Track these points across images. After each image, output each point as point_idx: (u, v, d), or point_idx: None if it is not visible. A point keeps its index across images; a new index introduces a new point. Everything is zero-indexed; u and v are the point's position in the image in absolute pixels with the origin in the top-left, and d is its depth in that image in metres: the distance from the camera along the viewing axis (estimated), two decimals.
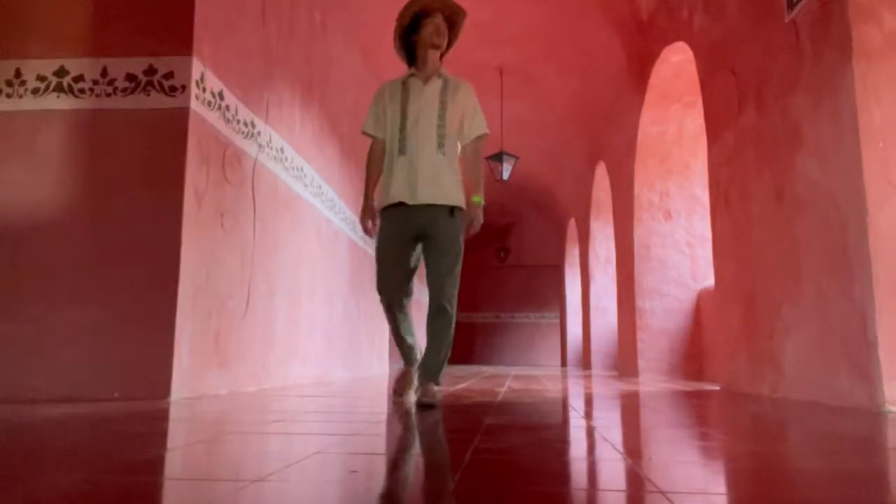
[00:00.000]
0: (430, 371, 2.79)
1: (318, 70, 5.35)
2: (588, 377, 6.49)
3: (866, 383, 2.69)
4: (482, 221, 2.87)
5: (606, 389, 4.11)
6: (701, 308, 6.21)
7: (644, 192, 6.54)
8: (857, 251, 2.77)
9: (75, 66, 3.11)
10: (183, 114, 3.06)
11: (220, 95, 3.41)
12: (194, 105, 3.11)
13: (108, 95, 3.09)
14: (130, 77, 3.09)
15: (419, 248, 2.91)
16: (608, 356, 9.63)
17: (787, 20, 3.39)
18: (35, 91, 3.10)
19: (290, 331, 4.53)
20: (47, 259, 2.98)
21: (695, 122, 6.28)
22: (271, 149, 4.18)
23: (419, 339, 3.07)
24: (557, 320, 15.54)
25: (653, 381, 5.37)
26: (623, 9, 6.29)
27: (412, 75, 2.93)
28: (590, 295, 9.95)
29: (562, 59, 7.77)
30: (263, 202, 4.04)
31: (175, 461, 1.27)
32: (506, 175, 8.75)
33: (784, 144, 3.45)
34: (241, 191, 3.70)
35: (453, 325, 2.85)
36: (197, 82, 3.14)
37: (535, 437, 1.67)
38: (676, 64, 5.78)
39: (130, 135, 3.05)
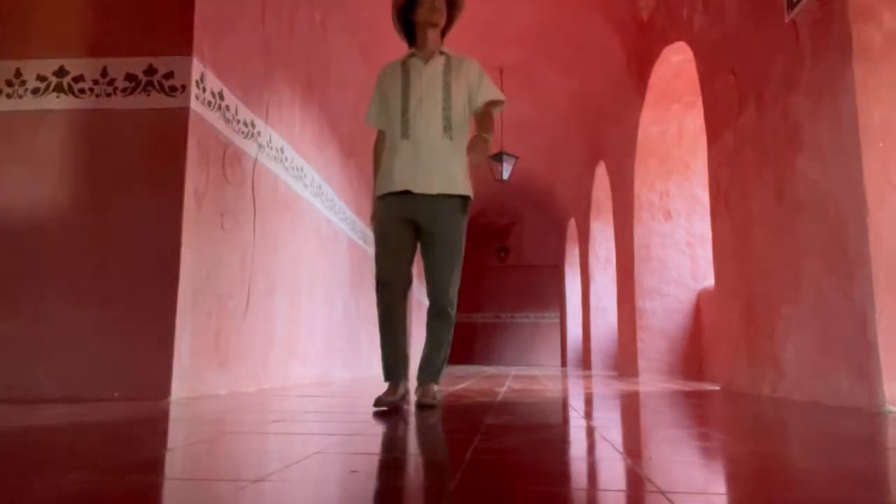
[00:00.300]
0: (430, 371, 2.68)
1: (318, 70, 5.35)
2: (588, 377, 6.49)
3: (866, 383, 2.69)
4: (481, 161, 2.55)
5: (606, 389, 4.11)
6: (701, 308, 6.21)
7: (644, 192, 6.54)
8: (857, 251, 2.77)
9: (75, 66, 3.11)
10: (183, 114, 3.06)
11: (220, 95, 3.41)
12: (194, 105, 3.11)
13: (108, 95, 3.09)
14: (130, 77, 3.09)
15: (415, 239, 2.73)
16: (608, 356, 9.63)
17: (787, 20, 3.38)
18: (35, 91, 3.10)
19: (289, 331, 4.53)
20: (47, 259, 2.97)
21: (695, 122, 6.28)
22: (271, 149, 4.18)
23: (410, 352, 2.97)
24: (557, 320, 15.54)
25: (653, 381, 5.37)
26: (623, 9, 6.29)
27: (412, 55, 2.75)
28: (590, 295, 9.95)
29: (562, 59, 7.77)
30: (263, 202, 4.04)
31: (175, 461, 1.27)
32: (506, 175, 8.75)
33: (784, 144, 3.45)
34: (241, 191, 3.70)
35: (453, 324, 2.75)
36: (197, 82, 3.14)
37: (535, 437, 1.67)
38: (676, 64, 5.78)
39: (130, 135, 3.05)
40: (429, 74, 2.69)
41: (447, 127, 2.65)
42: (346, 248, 6.32)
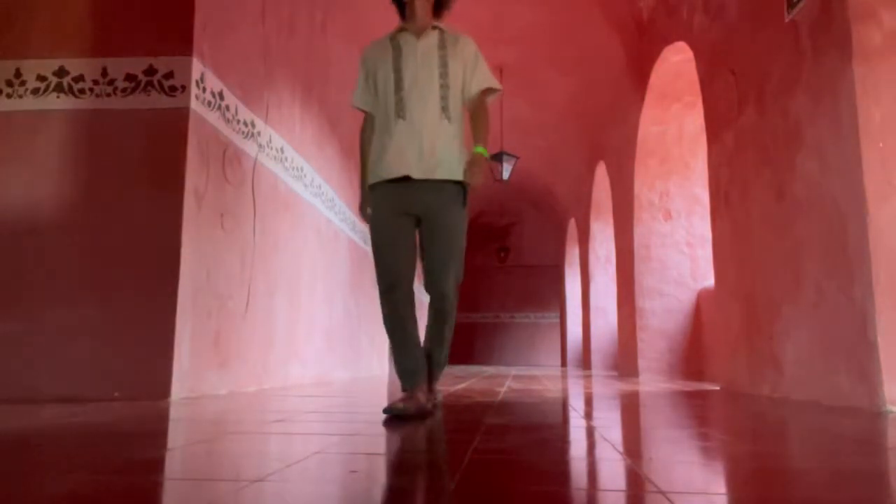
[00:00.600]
0: (432, 368, 2.49)
1: (318, 70, 5.35)
2: (588, 377, 6.49)
3: (866, 383, 2.69)
4: (483, 181, 2.42)
5: (606, 389, 4.11)
6: (701, 308, 6.21)
7: (644, 192, 6.54)
8: (857, 251, 2.77)
9: (75, 66, 3.11)
10: (183, 114, 3.06)
11: (220, 95, 3.41)
12: (194, 105, 3.11)
13: (108, 95, 3.09)
14: (130, 77, 3.09)
15: (415, 231, 2.50)
16: (608, 356, 9.63)
17: (787, 20, 3.38)
18: (35, 91, 3.10)
19: (289, 331, 4.53)
20: (47, 259, 2.97)
21: (695, 122, 6.28)
22: (271, 149, 4.18)
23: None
24: (557, 320, 15.54)
25: (653, 381, 5.37)
26: (623, 9, 6.29)
27: (402, 29, 2.49)
28: (590, 295, 9.95)
29: (562, 59, 7.77)
30: (263, 202, 4.04)
31: (175, 461, 1.27)
32: (506, 175, 8.75)
33: (784, 144, 3.45)
34: (241, 191, 3.70)
35: (454, 320, 2.52)
36: (197, 82, 3.14)
37: (536, 437, 1.67)
38: (676, 64, 5.78)
39: (130, 135, 3.05)
40: (423, 49, 2.44)
41: (445, 107, 2.42)
42: (346, 248, 6.32)
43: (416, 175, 2.36)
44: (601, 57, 7.26)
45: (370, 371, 7.28)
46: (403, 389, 2.37)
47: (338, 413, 2.36)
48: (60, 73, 3.11)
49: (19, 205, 3.03)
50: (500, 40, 7.46)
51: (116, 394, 2.85)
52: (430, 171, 2.36)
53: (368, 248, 7.09)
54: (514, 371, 8.66)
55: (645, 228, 6.52)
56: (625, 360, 7.02)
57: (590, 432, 1.80)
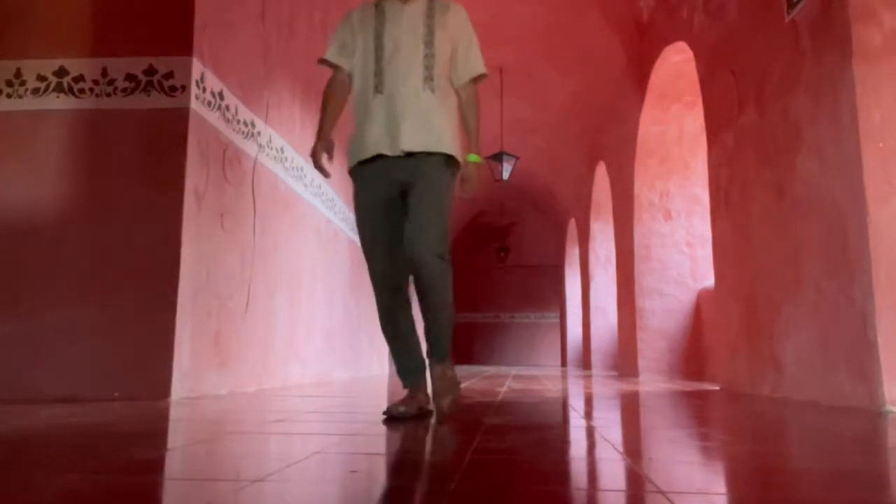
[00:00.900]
0: (437, 349, 2.23)
1: (318, 70, 5.34)
2: (588, 377, 6.49)
3: (866, 383, 2.69)
4: (478, 187, 2.31)
5: (606, 389, 4.11)
6: (701, 308, 6.21)
7: (644, 192, 6.54)
8: (857, 251, 2.77)
9: (75, 66, 3.11)
10: (183, 114, 3.06)
11: (220, 95, 3.41)
12: (194, 105, 3.11)
13: (108, 95, 3.09)
14: (130, 77, 3.09)
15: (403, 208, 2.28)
16: (608, 356, 9.63)
17: (787, 20, 3.38)
18: (35, 91, 3.10)
19: (289, 331, 4.53)
20: (47, 259, 2.97)
21: (695, 122, 6.28)
22: (271, 149, 4.19)
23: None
24: (557, 320, 15.54)
25: (653, 381, 5.37)
26: (623, 9, 6.29)
27: None
28: (590, 295, 9.95)
29: (562, 59, 7.77)
30: (263, 202, 4.04)
31: (175, 461, 1.27)
32: (506, 175, 8.75)
33: (784, 144, 3.45)
34: (241, 191, 3.70)
35: (449, 279, 2.20)
36: (197, 82, 3.14)
37: (536, 437, 1.67)
38: (676, 64, 5.78)
39: (130, 135, 3.05)
40: (409, 16, 2.26)
41: (428, 77, 2.22)
42: (346, 248, 6.32)
43: (392, 151, 2.19)
44: (601, 57, 7.26)
45: (370, 371, 7.28)
46: (405, 388, 2.32)
47: (338, 413, 2.36)
48: (60, 73, 3.11)
49: (19, 205, 3.03)
50: (499, 40, 7.46)
51: (116, 394, 2.85)
52: (410, 145, 2.18)
53: None
54: (514, 371, 8.66)
55: (645, 228, 6.52)
56: (625, 360, 7.02)
57: (590, 432, 1.80)
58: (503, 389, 3.93)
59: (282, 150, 4.39)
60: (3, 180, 3.05)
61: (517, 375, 6.73)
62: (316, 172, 5.23)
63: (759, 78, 3.75)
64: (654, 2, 5.77)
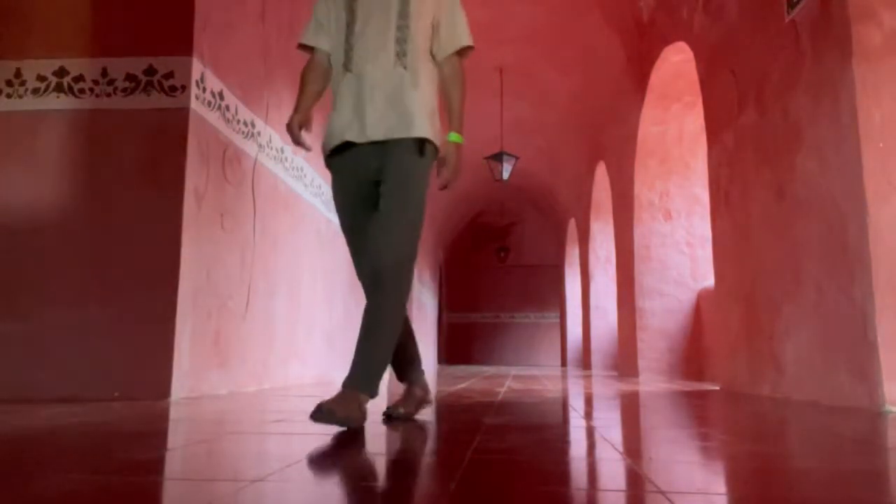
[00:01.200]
0: (354, 374, 1.86)
1: None
2: (588, 377, 6.49)
3: (866, 383, 2.69)
4: (459, 172, 2.09)
5: (606, 389, 4.11)
6: (701, 308, 6.21)
7: (644, 192, 6.54)
8: (857, 251, 2.77)
9: (75, 66, 3.11)
10: (183, 114, 3.06)
11: (220, 95, 3.41)
12: (194, 105, 3.11)
13: (108, 95, 3.09)
14: (130, 77, 3.09)
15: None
16: (608, 356, 9.63)
17: (787, 20, 3.38)
18: (35, 91, 3.10)
19: (289, 331, 4.53)
20: (47, 259, 2.97)
21: (695, 122, 6.28)
22: (271, 149, 4.19)
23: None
24: (557, 320, 15.55)
25: (653, 381, 5.37)
26: (623, 9, 6.29)
27: None
28: (590, 295, 9.95)
29: (562, 59, 7.78)
30: (263, 202, 4.04)
31: (175, 461, 1.27)
32: (506, 175, 8.75)
33: (784, 144, 3.45)
34: (241, 191, 3.70)
35: (398, 308, 1.92)
36: (197, 82, 3.14)
37: (536, 437, 1.67)
38: (676, 64, 5.78)
39: (131, 135, 3.05)
40: None
41: (401, 53, 2.01)
42: (347, 248, 6.32)
43: (359, 138, 2.01)
44: (601, 57, 7.26)
45: None
46: (401, 382, 2.25)
47: None
48: (60, 73, 3.11)
49: (19, 205, 3.03)
50: (500, 40, 7.47)
51: (116, 394, 2.85)
52: (376, 130, 1.99)
53: None
54: (514, 371, 8.66)
55: (645, 228, 6.52)
56: (625, 360, 7.02)
57: (590, 432, 1.80)
58: (503, 389, 3.93)
59: (282, 150, 4.39)
60: (3, 180, 3.05)
61: (517, 375, 6.73)
62: (315, 172, 5.23)
63: (759, 78, 3.75)
64: (654, 2, 5.77)
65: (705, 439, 1.69)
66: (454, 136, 2.10)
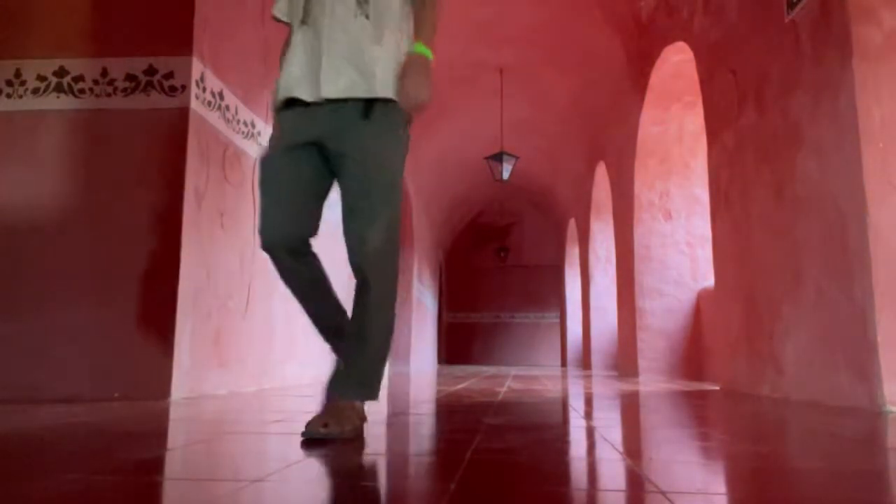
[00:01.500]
0: (345, 380, 1.72)
1: None
2: (588, 377, 6.49)
3: (866, 383, 2.69)
4: (429, 97, 1.73)
5: (606, 389, 4.11)
6: (701, 308, 6.21)
7: (644, 192, 6.54)
8: (857, 251, 2.77)
9: (75, 66, 3.11)
10: (183, 114, 3.06)
11: (221, 95, 3.41)
12: (194, 105, 3.11)
13: (108, 95, 3.09)
14: (130, 77, 3.09)
15: (323, 174, 1.81)
16: (608, 356, 9.63)
17: (787, 20, 3.38)
18: (35, 91, 3.10)
19: (289, 331, 4.53)
20: (47, 259, 2.97)
21: (695, 122, 6.28)
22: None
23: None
24: (557, 320, 15.54)
25: (653, 381, 5.37)
26: (623, 9, 6.29)
27: None
28: (590, 295, 9.95)
29: (562, 59, 7.77)
30: None
31: (175, 461, 1.27)
32: (506, 175, 8.75)
33: (784, 144, 3.45)
34: (241, 191, 3.70)
35: (388, 307, 1.74)
36: (197, 82, 3.14)
37: (536, 437, 1.67)
38: (676, 64, 5.78)
39: (130, 135, 3.05)
40: None
41: (362, 1, 1.77)
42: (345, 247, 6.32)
43: (311, 95, 1.75)
44: (601, 57, 7.26)
45: None
46: (336, 354, 1.82)
47: None
48: (60, 73, 3.11)
49: (19, 204, 3.03)
50: (500, 40, 7.47)
51: (116, 394, 2.85)
52: (334, 86, 1.73)
53: None
54: (514, 371, 8.66)
55: (645, 228, 6.52)
56: (625, 360, 7.02)
57: (590, 432, 1.80)
58: (503, 389, 3.93)
59: None
60: (3, 180, 3.05)
61: (517, 375, 6.73)
62: None
63: (759, 78, 3.75)
64: (654, 2, 5.77)
65: (705, 439, 1.69)
66: (421, 47, 1.76)
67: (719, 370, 4.52)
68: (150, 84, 3.08)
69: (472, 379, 5.62)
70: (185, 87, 3.08)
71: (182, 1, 3.14)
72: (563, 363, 13.72)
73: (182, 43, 3.11)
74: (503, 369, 9.76)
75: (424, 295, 12.16)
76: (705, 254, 6.20)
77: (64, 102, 3.09)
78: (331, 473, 1.18)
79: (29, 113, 3.09)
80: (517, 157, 8.96)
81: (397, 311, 1.83)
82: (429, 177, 10.83)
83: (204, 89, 3.22)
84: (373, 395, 1.72)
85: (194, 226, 3.10)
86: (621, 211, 7.27)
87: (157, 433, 1.72)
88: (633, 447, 1.53)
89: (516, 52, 7.77)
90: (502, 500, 0.96)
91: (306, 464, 1.24)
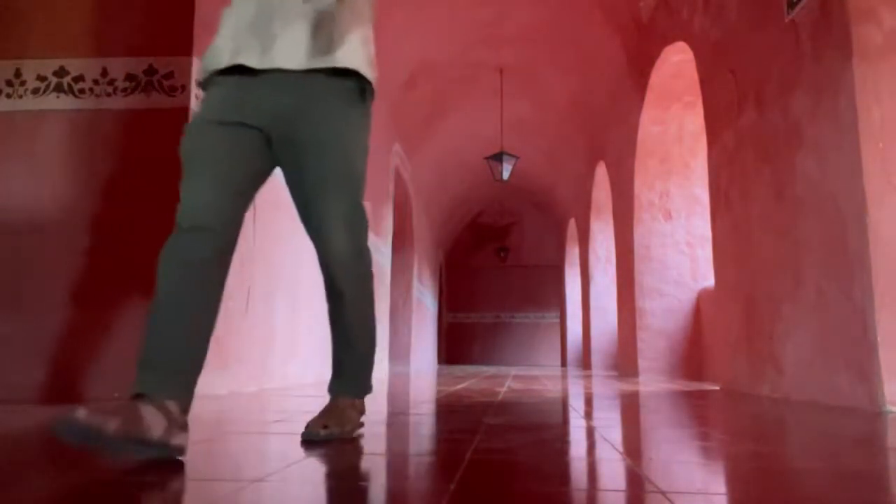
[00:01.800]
0: (344, 379, 1.67)
1: None
2: (588, 377, 6.49)
3: (866, 383, 2.69)
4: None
5: (606, 389, 4.11)
6: (701, 308, 6.21)
7: (644, 192, 6.54)
8: (857, 251, 2.77)
9: (75, 66, 3.11)
10: (183, 114, 3.06)
11: None
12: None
13: (108, 95, 3.09)
14: (130, 77, 3.09)
15: (263, 161, 1.56)
16: (608, 356, 9.63)
17: (786, 20, 3.39)
18: (35, 91, 3.10)
19: (289, 331, 4.53)
20: (47, 259, 2.97)
21: (695, 122, 6.28)
22: None
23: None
24: (557, 320, 15.54)
25: (653, 381, 5.37)
26: (623, 9, 6.29)
27: None
28: (590, 295, 9.95)
29: (562, 59, 7.78)
30: (263, 202, 4.04)
31: (175, 461, 1.27)
32: (506, 175, 8.75)
33: (784, 144, 3.45)
34: None
35: (371, 288, 1.66)
36: (197, 82, 3.14)
37: (536, 437, 1.67)
38: (676, 64, 5.78)
39: (131, 135, 3.05)
40: None
41: None
42: None
43: (260, 64, 1.47)
44: (601, 57, 7.26)
45: None
46: (137, 390, 1.31)
47: None
48: (60, 73, 3.11)
49: (19, 204, 3.03)
50: (500, 40, 7.47)
51: (116, 394, 2.85)
52: (289, 55, 1.47)
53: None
54: (514, 371, 8.66)
55: (645, 228, 6.52)
56: (625, 360, 7.02)
57: (590, 432, 1.80)
58: (503, 389, 3.93)
59: None
60: (3, 180, 3.05)
61: (517, 375, 6.73)
62: None
63: (759, 78, 3.75)
64: (654, 2, 5.77)
65: (705, 439, 1.69)
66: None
67: (719, 370, 4.52)
68: (150, 84, 3.08)
69: (472, 379, 5.62)
70: (185, 87, 3.08)
71: (182, 1, 3.14)
72: (563, 363, 13.72)
73: (182, 43, 3.11)
74: (503, 369, 9.76)
75: (424, 295, 12.16)
76: (705, 254, 6.20)
77: (64, 102, 3.09)
78: (331, 473, 1.18)
79: (29, 113, 3.09)
80: (517, 157, 8.96)
81: (387, 307, 1.78)
82: (429, 177, 10.83)
83: None
84: (368, 390, 1.72)
85: None
86: (621, 211, 7.27)
87: None
88: (632, 447, 1.53)
89: (516, 52, 7.77)
90: (502, 500, 0.96)
91: (306, 464, 1.24)
